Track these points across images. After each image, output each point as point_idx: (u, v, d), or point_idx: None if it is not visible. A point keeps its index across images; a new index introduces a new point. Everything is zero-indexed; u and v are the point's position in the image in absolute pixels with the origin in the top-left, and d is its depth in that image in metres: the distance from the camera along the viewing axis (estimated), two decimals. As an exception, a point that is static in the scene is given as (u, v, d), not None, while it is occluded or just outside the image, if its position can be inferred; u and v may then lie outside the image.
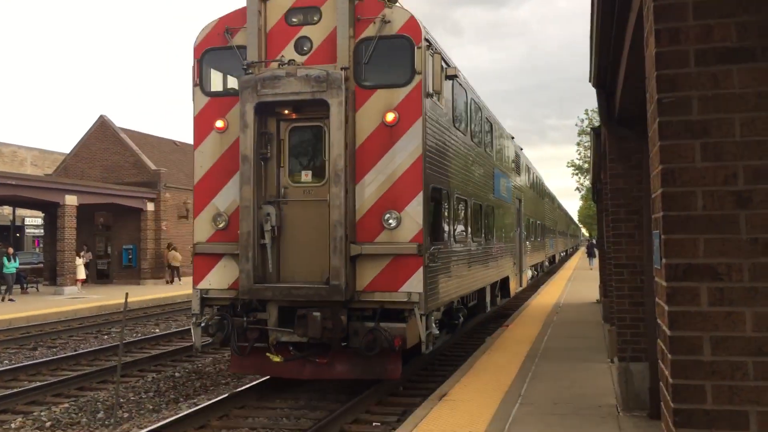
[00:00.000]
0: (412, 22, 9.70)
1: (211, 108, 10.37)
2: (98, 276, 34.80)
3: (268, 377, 11.12)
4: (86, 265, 31.86)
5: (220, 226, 10.23)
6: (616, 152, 7.73)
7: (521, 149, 24.31)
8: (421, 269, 9.48)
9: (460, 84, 12.54)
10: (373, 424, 9.24)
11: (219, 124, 10.25)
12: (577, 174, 53.75)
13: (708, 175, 2.58)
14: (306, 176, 10.06)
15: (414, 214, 9.57)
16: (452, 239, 11.82)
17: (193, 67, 10.52)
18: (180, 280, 34.48)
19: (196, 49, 10.53)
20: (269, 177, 9.97)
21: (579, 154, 52.18)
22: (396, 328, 9.43)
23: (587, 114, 49.46)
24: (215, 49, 10.46)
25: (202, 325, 10.16)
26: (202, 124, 10.39)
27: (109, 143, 35.86)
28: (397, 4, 10.00)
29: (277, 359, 9.89)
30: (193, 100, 10.50)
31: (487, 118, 15.82)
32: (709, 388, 2.55)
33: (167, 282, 34.39)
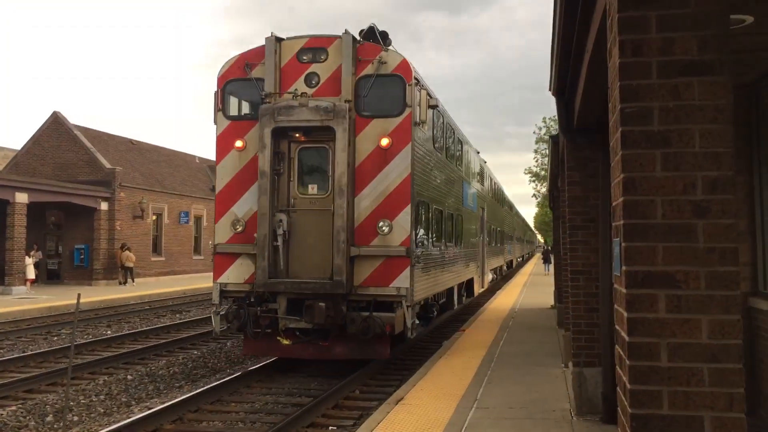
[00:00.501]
0: (405, 64, 11.77)
1: (231, 130, 12.24)
2: (48, 276, 33.95)
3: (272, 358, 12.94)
4: (36, 265, 31.07)
5: (238, 229, 12.11)
6: (574, 160, 7.83)
7: (485, 162, 26.62)
8: (408, 268, 11.53)
9: (439, 111, 14.48)
10: (330, 428, 9.19)
11: (238, 144, 12.15)
12: (534, 181, 54.41)
13: (668, 185, 2.63)
14: (312, 189, 11.96)
15: (403, 222, 11.59)
16: (431, 244, 13.88)
17: (216, 94, 12.38)
18: (133, 281, 33.85)
19: (219, 80, 12.41)
20: (281, 189, 11.88)
21: (536, 161, 52.83)
22: (387, 316, 11.34)
23: (545, 122, 50.16)
24: (236, 80, 12.33)
25: (222, 313, 11.91)
26: (224, 144, 12.28)
27: (63, 140, 35.06)
28: (391, 47, 12.07)
29: (286, 342, 11.73)
30: (216, 122, 12.37)
31: (458, 137, 18.10)
32: (665, 393, 2.59)
33: (120, 283, 33.74)
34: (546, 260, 44.31)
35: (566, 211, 8.26)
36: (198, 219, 43.05)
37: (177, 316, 22.61)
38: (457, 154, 18.04)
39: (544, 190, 52.05)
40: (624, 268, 2.68)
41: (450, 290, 16.93)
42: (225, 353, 14.99)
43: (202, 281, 37.08)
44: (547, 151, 35.46)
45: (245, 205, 12.09)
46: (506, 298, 24.50)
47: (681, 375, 2.58)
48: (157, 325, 19.43)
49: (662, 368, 2.60)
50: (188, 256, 41.67)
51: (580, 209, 7.88)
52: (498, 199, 33.33)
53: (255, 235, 11.76)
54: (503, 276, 39.84)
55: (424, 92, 12.21)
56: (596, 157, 7.28)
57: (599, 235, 7.45)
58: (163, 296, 29.05)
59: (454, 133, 17.25)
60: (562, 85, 6.44)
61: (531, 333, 15.20)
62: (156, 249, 38.60)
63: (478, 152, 23.92)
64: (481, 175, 24.58)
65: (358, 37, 12.02)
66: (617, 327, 2.88)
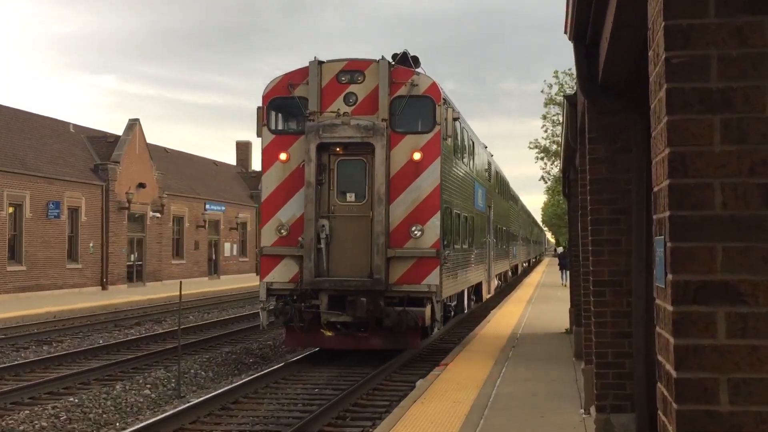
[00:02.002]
0: (434, 86, 18.16)
1: (276, 143, 18.39)
2: None
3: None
4: None
5: (283, 233, 18.00)
6: (599, 130, 7.90)
7: (492, 155, 34.67)
8: (438, 268, 17.61)
9: (457, 119, 20.56)
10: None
11: (283, 156, 18.17)
12: (542, 158, 54.59)
13: (730, 163, 2.64)
14: (350, 197, 18.02)
15: (433, 227, 17.71)
16: (453, 246, 20.44)
17: (262, 110, 18.48)
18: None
19: (264, 97, 18.62)
20: (322, 197, 17.82)
21: (545, 131, 52.91)
22: (418, 311, 17.28)
23: (557, 77, 50.35)
24: (280, 98, 18.55)
25: (269, 309, 17.90)
26: (269, 155, 18.39)
27: None
28: (420, 69, 18.58)
29: (329, 334, 17.71)
30: (262, 136, 18.51)
31: (470, 138, 25.20)
32: (726, 448, 2.62)
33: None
34: (563, 266, 44.78)
35: (587, 199, 8.34)
36: (74, 211, 42.56)
37: (44, 348, 22.35)
38: (469, 154, 24.94)
39: (555, 170, 52.46)
40: (670, 276, 2.70)
41: (461, 294, 23.31)
42: (113, 399, 14.86)
43: (81, 299, 36.68)
44: (561, 117, 35.58)
45: (289, 212, 18.01)
46: (505, 319, 24.71)
47: (748, 422, 2.61)
48: (16, 362, 19.20)
49: (722, 414, 2.62)
50: (60, 265, 41.20)
51: (606, 197, 7.95)
52: (504, 194, 41.73)
53: (300, 238, 17.62)
54: (507, 283, 44.63)
55: (450, 110, 18.46)
56: (629, 124, 7.36)
57: (633, 232, 7.53)
58: (25, 321, 28.64)
59: (467, 134, 24.28)
60: (583, 25, 6.48)
61: (539, 367, 15.35)
62: (13, 255, 38.03)
63: (486, 146, 31.70)
64: (489, 170, 32.43)
65: (392, 62, 18.25)
66: (660, 358, 2.91)
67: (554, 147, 50.57)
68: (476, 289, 27.77)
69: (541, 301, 32.21)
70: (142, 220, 49.04)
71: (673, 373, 2.67)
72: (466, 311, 25.51)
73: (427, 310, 17.31)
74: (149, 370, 18.28)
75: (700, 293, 2.66)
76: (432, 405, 11.93)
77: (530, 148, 54.52)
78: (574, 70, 8.94)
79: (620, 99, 7.04)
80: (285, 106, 18.69)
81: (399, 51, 18.86)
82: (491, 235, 32.21)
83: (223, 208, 60.63)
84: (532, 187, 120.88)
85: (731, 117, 2.65)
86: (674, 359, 2.67)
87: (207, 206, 57.38)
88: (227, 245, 61.98)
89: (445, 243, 18.60)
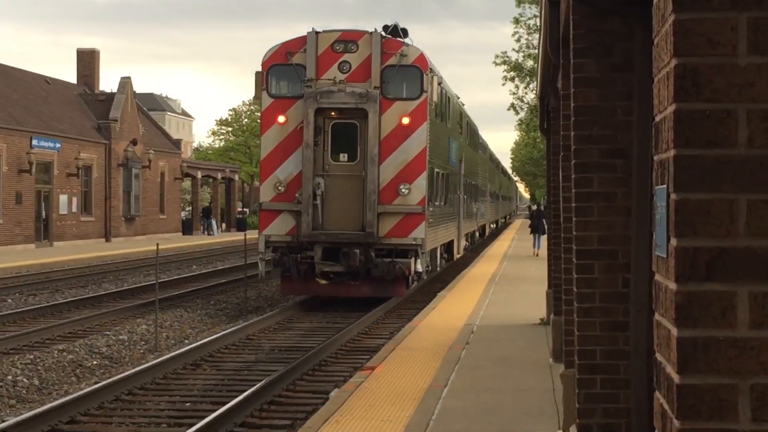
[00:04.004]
0: (422, 57, 30.59)
1: (274, 106, 30.06)
2: None
3: None
4: None
5: (281, 190, 29.17)
6: (588, 38, 7.89)
7: (463, 105, 47.76)
8: (424, 222, 29.43)
9: (440, 84, 32.32)
10: None
11: (281, 119, 29.53)
12: (512, 79, 54.92)
13: (761, 81, 2.64)
14: (343, 158, 29.77)
15: (420, 186, 29.61)
16: (434, 203, 32.43)
17: (261, 75, 30.10)
18: None
19: (264, 64, 30.30)
20: (317, 157, 28.93)
21: (518, 40, 53.37)
22: (405, 262, 29.07)
23: (534, -35, 50.65)
24: (278, 65, 30.28)
25: (267, 259, 29.84)
26: (267, 118, 30.29)
27: None
28: (408, 39, 31.38)
29: (323, 282, 28.99)
30: (261, 100, 30.66)
31: (446, 93, 36.46)
32: (747, 480, 2.65)
33: None
34: (536, 229, 45.20)
35: (571, 136, 8.36)
36: None
37: None
38: (446, 111, 36.73)
39: (531, 96, 52.87)
40: (674, 242, 2.68)
41: (434, 251, 34.27)
42: None
43: None
44: (538, 21, 36.26)
45: (287, 170, 28.67)
46: (457, 306, 24.95)
47: (776, 446, 2.64)
48: None
49: (742, 434, 2.64)
50: None
51: (597, 132, 7.96)
52: (473, 144, 54.35)
53: (297, 195, 28.02)
54: (474, 245, 55.54)
55: (436, 78, 30.07)
56: (630, 31, 7.38)
57: (634, 182, 7.57)
58: None
59: (445, 92, 35.32)
60: None
61: (502, 371, 15.52)
62: None
63: (459, 97, 44.20)
64: (461, 122, 44.95)
65: (384, 33, 29.31)
66: (659, 356, 2.90)
67: (530, 63, 50.91)
68: (447, 247, 40.29)
69: (508, 281, 32.73)
70: (-62, 160, 48.20)
71: (675, 378, 2.66)
72: (438, 269, 38.17)
73: (414, 261, 28.48)
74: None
75: (715, 265, 2.65)
76: (351, 426, 11.96)
77: (496, 64, 54.96)
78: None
79: (618, -6, 7.05)
80: (283, 72, 30.03)
81: (390, 23, 30.37)
82: (461, 191, 44.45)
83: (58, 144, 59.88)
84: (499, 120, 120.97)
85: (762, 16, 2.64)
86: (677, 358, 2.65)
87: (34, 142, 56.63)
88: (64, 198, 61.33)
89: (430, 200, 29.62)
